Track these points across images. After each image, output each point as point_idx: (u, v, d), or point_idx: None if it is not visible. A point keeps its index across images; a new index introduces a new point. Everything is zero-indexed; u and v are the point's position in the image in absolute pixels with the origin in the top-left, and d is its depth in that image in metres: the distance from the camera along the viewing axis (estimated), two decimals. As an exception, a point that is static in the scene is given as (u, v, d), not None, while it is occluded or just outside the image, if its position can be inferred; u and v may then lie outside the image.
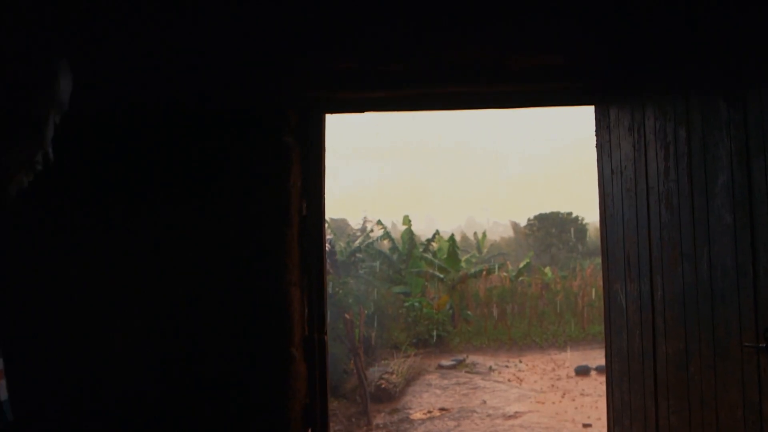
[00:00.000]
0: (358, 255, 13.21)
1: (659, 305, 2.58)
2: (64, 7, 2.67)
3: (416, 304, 11.76)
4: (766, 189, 2.16)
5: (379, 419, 8.18)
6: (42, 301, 2.60)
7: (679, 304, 2.49)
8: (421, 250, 14.02)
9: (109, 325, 2.59)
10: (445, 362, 10.49)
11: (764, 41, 2.20)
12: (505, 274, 15.28)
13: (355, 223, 17.84)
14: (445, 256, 13.81)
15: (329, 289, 2.78)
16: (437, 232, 14.83)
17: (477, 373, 10.09)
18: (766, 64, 2.19)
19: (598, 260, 15.57)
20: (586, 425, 7.11)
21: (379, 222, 14.00)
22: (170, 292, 2.59)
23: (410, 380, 9.57)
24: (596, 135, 2.99)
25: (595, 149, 3.02)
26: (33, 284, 2.59)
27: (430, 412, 7.86)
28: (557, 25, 2.64)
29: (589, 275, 15.75)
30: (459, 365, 10.48)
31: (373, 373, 9.54)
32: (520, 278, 15.16)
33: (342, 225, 19.37)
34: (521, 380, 9.59)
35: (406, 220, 14.21)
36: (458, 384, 9.28)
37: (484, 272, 14.19)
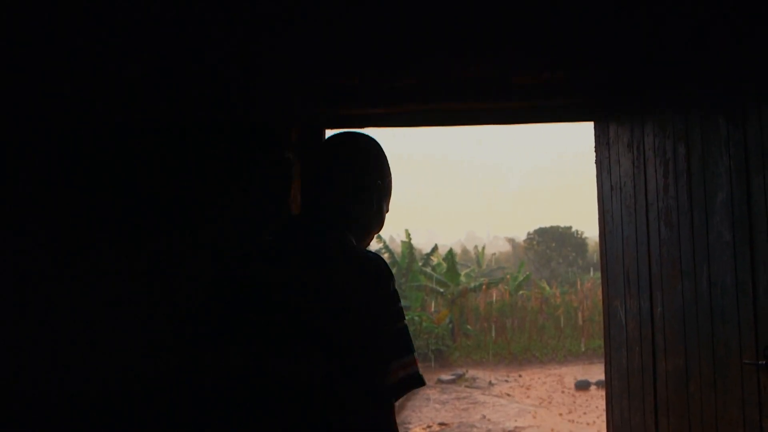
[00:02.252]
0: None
1: (659, 322, 2.58)
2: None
3: (416, 318, 11.75)
4: (765, 207, 2.17)
5: (378, 434, 8.12)
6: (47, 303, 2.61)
7: (679, 321, 2.49)
8: (420, 264, 14.02)
9: (109, 338, 2.59)
10: (445, 377, 10.47)
11: (764, 59, 2.21)
12: (505, 287, 15.27)
13: (355, 237, 17.81)
14: (444, 270, 13.80)
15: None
16: (436, 246, 14.83)
17: (477, 387, 10.06)
18: (765, 83, 2.20)
19: (598, 275, 15.56)
20: (586, 441, 7.08)
21: (378, 236, 14.00)
22: (174, 307, 2.59)
23: (410, 396, 9.54)
24: (595, 151, 3.00)
25: (594, 164, 3.03)
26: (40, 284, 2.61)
27: (429, 426, 7.82)
28: (559, 43, 2.66)
29: (588, 289, 15.74)
30: (459, 380, 10.45)
31: (372, 387, 9.49)
32: (520, 292, 15.14)
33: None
34: (521, 395, 9.55)
35: (406, 234, 14.21)
36: (458, 398, 9.25)
37: (484, 286, 14.18)
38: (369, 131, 3.07)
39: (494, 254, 27.31)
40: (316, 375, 1.43)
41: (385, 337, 1.46)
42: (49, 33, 2.71)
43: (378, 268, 1.48)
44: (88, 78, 2.70)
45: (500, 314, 14.14)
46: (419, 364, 1.49)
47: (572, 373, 11.18)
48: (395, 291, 1.51)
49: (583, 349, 12.92)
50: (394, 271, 13.56)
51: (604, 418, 3.13)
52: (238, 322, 1.51)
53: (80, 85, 2.69)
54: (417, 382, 1.47)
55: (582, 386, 10.06)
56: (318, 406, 1.43)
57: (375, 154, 1.69)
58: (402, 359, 1.46)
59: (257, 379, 1.47)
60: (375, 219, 1.68)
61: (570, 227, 23.56)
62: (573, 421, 8.01)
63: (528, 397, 9.43)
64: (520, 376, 11.03)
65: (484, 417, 8.17)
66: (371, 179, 1.66)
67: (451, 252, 14.08)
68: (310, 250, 1.53)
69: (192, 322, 1.69)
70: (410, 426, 7.94)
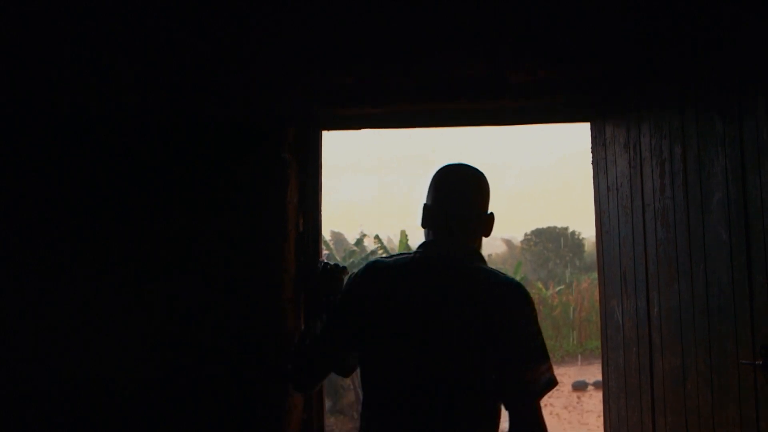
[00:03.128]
0: (354, 269, 13.17)
1: (656, 322, 2.58)
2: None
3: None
4: (761, 206, 2.17)
5: (375, 435, 8.08)
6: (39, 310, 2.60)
7: (676, 321, 2.49)
8: (417, 264, 13.95)
9: (107, 337, 2.59)
10: (442, 377, 10.41)
11: (760, 57, 2.22)
12: (502, 288, 15.20)
13: (351, 237, 17.80)
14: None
15: (326, 305, 2.77)
16: (434, 247, 14.78)
17: (474, 388, 10.03)
18: (762, 79, 2.20)
19: (595, 275, 15.54)
20: (583, 441, 7.08)
21: (376, 236, 13.98)
22: (170, 309, 2.59)
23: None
24: (592, 152, 3.00)
25: (590, 165, 3.04)
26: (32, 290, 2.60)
27: (427, 427, 7.80)
28: (555, 41, 2.66)
29: (585, 290, 15.73)
30: (456, 380, 10.41)
31: (370, 388, 9.43)
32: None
33: (339, 239, 19.33)
34: (518, 396, 9.53)
35: (403, 235, 14.18)
36: (455, 399, 9.22)
37: (481, 287, 14.12)
38: (366, 132, 3.08)
39: (491, 255, 27.29)
40: (479, 374, 1.82)
41: (535, 346, 1.84)
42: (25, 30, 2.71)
43: (527, 296, 1.90)
44: (76, 76, 2.69)
45: (497, 315, 14.07)
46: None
47: (569, 373, 11.18)
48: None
49: (580, 350, 12.91)
50: (391, 272, 13.56)
51: (601, 418, 3.14)
52: (408, 325, 1.86)
53: (67, 83, 2.69)
54: (555, 381, 1.86)
55: (579, 387, 10.06)
56: (481, 398, 1.83)
57: (488, 186, 2.05)
58: (547, 363, 1.84)
59: (428, 375, 1.83)
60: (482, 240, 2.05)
61: (567, 228, 23.56)
62: (570, 421, 8.01)
63: (525, 397, 9.41)
64: (517, 376, 11.01)
65: (481, 418, 8.15)
66: (487, 206, 2.02)
67: (448, 253, 14.04)
68: (470, 272, 1.90)
69: (347, 321, 2.03)
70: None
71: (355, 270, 2.18)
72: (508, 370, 1.81)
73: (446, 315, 1.83)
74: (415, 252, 1.99)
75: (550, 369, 1.84)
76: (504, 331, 1.82)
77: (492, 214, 2.01)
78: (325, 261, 2.76)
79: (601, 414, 3.13)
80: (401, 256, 2.01)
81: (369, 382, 1.96)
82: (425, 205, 2.04)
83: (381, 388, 1.92)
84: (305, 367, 2.16)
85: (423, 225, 2.04)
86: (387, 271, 1.97)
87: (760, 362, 2.15)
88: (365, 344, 1.96)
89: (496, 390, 1.83)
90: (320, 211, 2.82)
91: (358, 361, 2.03)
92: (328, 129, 2.91)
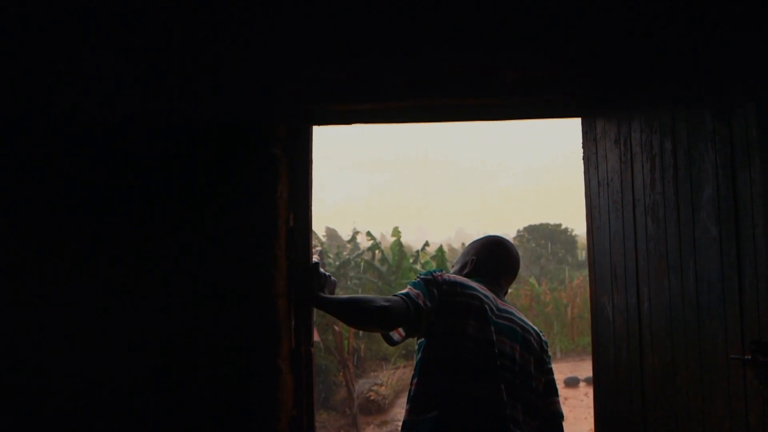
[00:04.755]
0: (347, 266, 13.20)
1: (646, 317, 2.59)
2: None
3: (406, 315, 11.67)
4: (751, 202, 2.18)
5: (368, 431, 8.14)
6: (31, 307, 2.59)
7: (666, 317, 2.50)
8: (410, 261, 14.01)
9: (101, 336, 2.58)
10: (435, 374, 10.40)
11: (750, 55, 2.22)
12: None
13: (345, 235, 17.80)
14: (434, 267, 13.77)
15: (317, 301, 2.77)
16: (427, 243, 14.83)
17: (466, 384, 10.03)
18: (751, 77, 2.21)
19: (587, 272, 15.56)
20: (575, 437, 7.10)
21: (368, 233, 13.99)
22: (163, 305, 2.58)
23: (399, 392, 9.53)
24: (583, 147, 3.01)
25: (582, 161, 3.04)
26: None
27: (419, 424, 7.79)
28: (548, 38, 2.67)
29: (578, 286, 15.78)
30: (448, 377, 10.41)
31: (363, 384, 9.50)
32: (510, 290, 15.13)
33: (334, 235, 19.34)
34: (511, 392, 9.55)
35: (396, 232, 14.19)
36: (448, 396, 9.22)
37: (474, 283, 14.12)
38: (361, 132, 3.08)
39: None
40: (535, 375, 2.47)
41: (554, 380, 2.56)
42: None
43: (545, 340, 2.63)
44: (74, 75, 2.68)
45: (490, 311, 14.07)
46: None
47: (562, 369, 11.21)
48: None
49: (572, 346, 12.94)
50: (384, 269, 13.60)
51: (592, 413, 3.14)
52: (495, 326, 2.43)
53: (65, 83, 2.68)
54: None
55: (571, 383, 10.10)
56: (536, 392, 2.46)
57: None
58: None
59: (507, 357, 2.38)
60: None
61: (560, 224, 23.63)
62: (562, 417, 8.03)
63: (518, 393, 9.43)
64: (509, 373, 11.02)
65: (473, 414, 8.15)
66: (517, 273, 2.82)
67: (441, 249, 14.07)
68: (515, 311, 2.62)
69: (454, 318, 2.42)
70: (400, 423, 7.93)
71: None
72: (544, 397, 2.47)
73: (515, 329, 2.47)
74: (481, 281, 2.58)
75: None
76: (542, 361, 2.50)
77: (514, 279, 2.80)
78: (318, 260, 2.76)
79: (593, 410, 3.14)
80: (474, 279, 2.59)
81: (444, 350, 2.37)
82: (473, 259, 2.68)
83: (456, 359, 2.33)
84: (393, 315, 2.35)
85: (471, 274, 2.62)
86: (474, 283, 2.52)
87: (749, 357, 2.16)
88: (453, 320, 2.39)
89: (533, 408, 2.41)
90: (311, 206, 2.81)
91: (441, 330, 2.40)
92: (320, 124, 2.90)
